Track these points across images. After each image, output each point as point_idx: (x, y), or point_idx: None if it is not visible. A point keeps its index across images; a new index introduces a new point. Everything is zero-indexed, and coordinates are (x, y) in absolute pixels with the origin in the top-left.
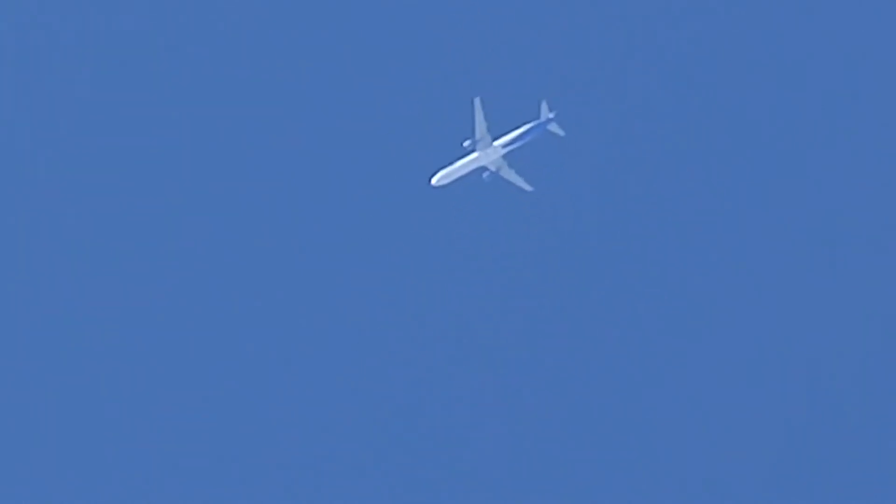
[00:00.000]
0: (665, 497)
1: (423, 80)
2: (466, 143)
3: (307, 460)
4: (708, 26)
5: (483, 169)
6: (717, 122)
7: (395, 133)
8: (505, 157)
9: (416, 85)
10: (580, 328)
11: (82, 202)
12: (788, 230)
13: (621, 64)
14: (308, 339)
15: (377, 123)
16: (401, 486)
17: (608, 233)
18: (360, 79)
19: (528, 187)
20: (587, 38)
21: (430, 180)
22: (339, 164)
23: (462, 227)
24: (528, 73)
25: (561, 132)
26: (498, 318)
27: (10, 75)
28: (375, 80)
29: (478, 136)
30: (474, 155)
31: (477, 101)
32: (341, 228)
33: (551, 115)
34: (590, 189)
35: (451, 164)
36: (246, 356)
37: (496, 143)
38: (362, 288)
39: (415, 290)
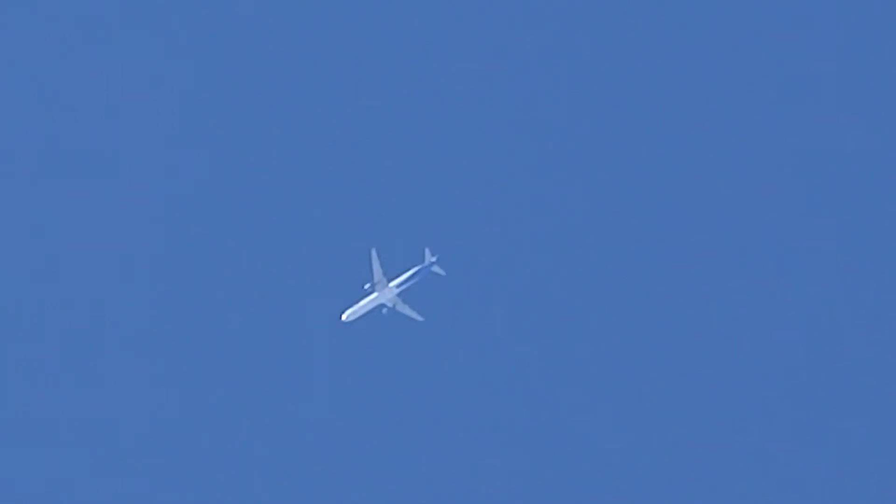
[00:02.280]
0: (665, 497)
1: (326, 236)
2: (367, 286)
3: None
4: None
5: (382, 306)
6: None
7: (310, 279)
8: (399, 294)
9: (318, 239)
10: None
11: (80, 201)
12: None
13: (493, 216)
14: None
15: (297, 270)
16: None
17: (489, 353)
18: (282, 231)
19: (419, 318)
20: (459, 195)
21: (340, 316)
22: (265, 307)
23: (368, 353)
24: (413, 227)
25: (442, 272)
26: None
27: (9, 75)
28: (291, 232)
29: (376, 279)
30: (374, 295)
31: (373, 252)
32: (272, 357)
33: (433, 259)
34: (471, 316)
35: (356, 303)
36: None
37: (391, 284)
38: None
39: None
